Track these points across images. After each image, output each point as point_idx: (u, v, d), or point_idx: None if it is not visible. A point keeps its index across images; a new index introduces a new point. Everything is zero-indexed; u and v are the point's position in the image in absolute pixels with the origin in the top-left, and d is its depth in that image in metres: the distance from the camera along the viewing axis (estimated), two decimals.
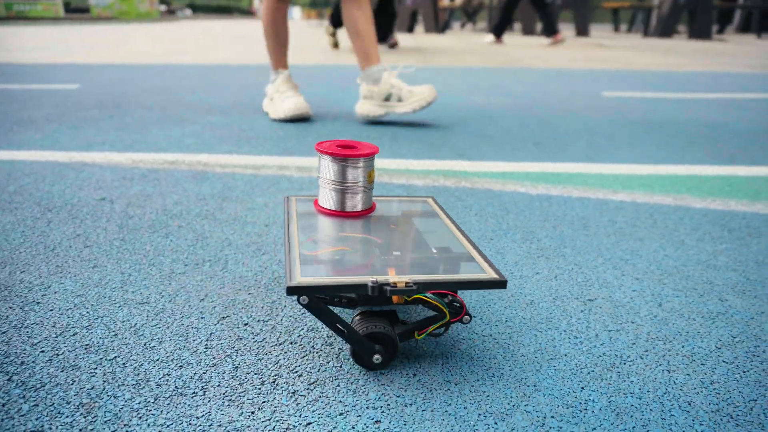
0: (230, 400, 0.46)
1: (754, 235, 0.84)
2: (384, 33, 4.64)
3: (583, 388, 0.49)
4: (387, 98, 1.54)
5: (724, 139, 1.52)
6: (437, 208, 0.67)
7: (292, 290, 0.46)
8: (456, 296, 0.52)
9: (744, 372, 0.51)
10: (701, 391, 0.48)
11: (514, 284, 0.67)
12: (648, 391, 0.48)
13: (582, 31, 8.16)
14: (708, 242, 0.81)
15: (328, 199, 0.62)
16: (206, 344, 0.54)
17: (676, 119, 1.81)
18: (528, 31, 8.20)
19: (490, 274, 0.49)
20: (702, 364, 0.52)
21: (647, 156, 1.32)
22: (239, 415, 0.45)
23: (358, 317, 0.51)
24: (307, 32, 8.87)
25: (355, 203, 0.61)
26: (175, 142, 1.35)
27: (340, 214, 0.62)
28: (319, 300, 0.48)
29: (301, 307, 0.46)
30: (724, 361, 0.53)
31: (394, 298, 0.49)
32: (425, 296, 0.50)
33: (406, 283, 0.47)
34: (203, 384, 0.48)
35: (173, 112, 1.75)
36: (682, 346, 0.55)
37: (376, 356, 0.49)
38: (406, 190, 1.02)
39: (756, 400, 0.47)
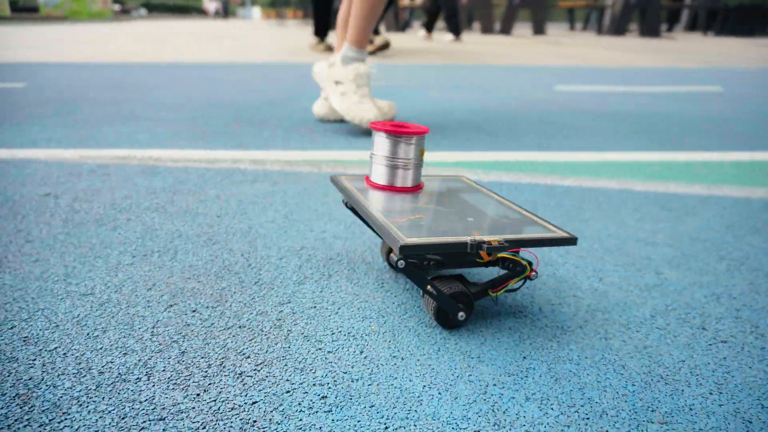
0: (175, 383, 0.46)
1: (690, 213, 0.89)
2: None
3: (524, 357, 0.50)
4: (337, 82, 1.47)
5: (667, 128, 1.59)
6: (474, 184, 0.71)
7: (404, 249, 0.48)
8: (531, 253, 0.58)
9: (675, 337, 0.54)
10: (635, 356, 0.51)
11: None
12: (585, 358, 0.50)
13: (539, 29, 8.35)
14: (648, 221, 0.85)
15: (381, 175, 0.64)
16: (152, 331, 0.53)
17: (624, 111, 1.88)
18: (487, 29, 8.33)
19: (562, 233, 0.54)
20: (637, 331, 0.55)
21: (595, 144, 1.36)
22: (184, 397, 0.44)
23: (433, 281, 0.54)
24: (268, 32, 8.77)
25: (407, 179, 0.64)
26: (126, 138, 1.32)
27: (393, 189, 0.64)
28: (412, 263, 0.51)
29: (397, 270, 0.51)
30: (657, 328, 0.56)
31: (484, 256, 0.53)
32: (506, 254, 0.54)
33: (499, 241, 0.50)
34: (148, 370, 0.47)
35: (126, 109, 1.71)
36: (620, 316, 0.58)
37: (460, 314, 0.53)
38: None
39: (684, 361, 0.50)
